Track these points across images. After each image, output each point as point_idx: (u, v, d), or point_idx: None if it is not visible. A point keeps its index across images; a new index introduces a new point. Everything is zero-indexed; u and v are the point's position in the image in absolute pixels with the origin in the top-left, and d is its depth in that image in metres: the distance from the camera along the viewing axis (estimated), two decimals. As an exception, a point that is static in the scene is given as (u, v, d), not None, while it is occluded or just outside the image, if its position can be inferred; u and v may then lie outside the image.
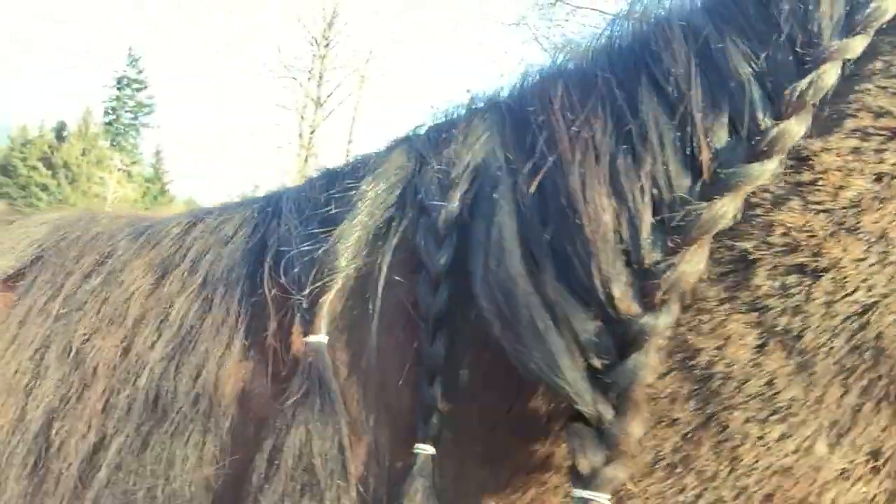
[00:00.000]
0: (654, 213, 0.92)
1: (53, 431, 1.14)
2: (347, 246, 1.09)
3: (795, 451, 0.90)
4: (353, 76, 52.86)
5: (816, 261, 0.90)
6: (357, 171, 1.19)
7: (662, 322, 0.89)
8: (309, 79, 52.85)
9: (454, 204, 1.05)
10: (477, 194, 1.05)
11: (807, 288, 0.90)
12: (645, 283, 0.90)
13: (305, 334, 1.06)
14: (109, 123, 75.83)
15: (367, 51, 52.81)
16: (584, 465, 0.87)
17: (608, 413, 0.89)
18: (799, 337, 0.90)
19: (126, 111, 76.78)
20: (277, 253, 1.15)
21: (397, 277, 1.08)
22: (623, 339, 0.90)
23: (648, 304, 0.90)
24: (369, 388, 1.06)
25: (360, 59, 52.73)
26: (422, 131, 1.24)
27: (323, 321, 1.06)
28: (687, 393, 0.93)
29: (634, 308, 0.89)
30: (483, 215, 1.01)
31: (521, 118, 1.08)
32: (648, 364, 0.89)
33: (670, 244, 0.90)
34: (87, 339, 1.19)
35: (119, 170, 72.15)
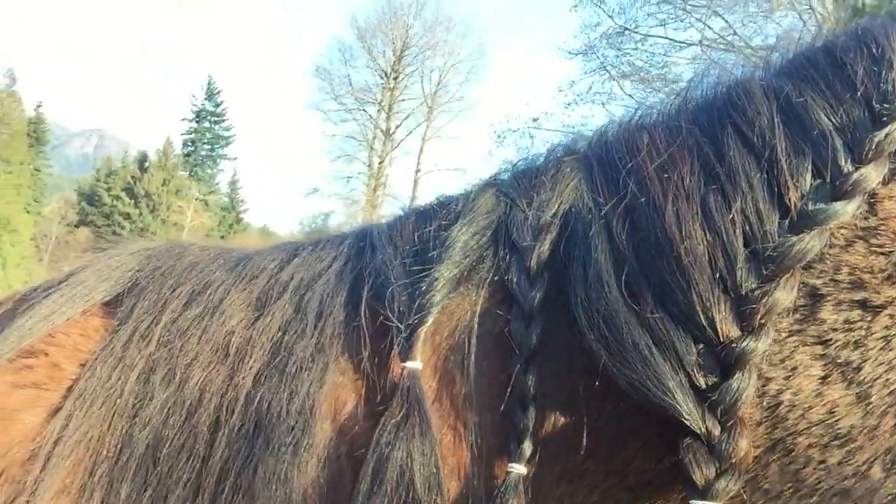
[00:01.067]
0: (746, 245, 1.01)
1: (162, 450, 1.19)
2: (443, 282, 1.18)
3: (854, 475, 0.98)
4: (421, 108, 53.76)
5: (876, 298, 1.00)
6: (447, 212, 1.29)
7: (762, 345, 0.97)
8: (378, 110, 54.08)
9: (546, 245, 1.16)
10: (570, 236, 1.15)
11: (867, 323, 1.00)
12: (743, 308, 0.99)
13: (403, 360, 1.14)
14: (188, 155, 78.88)
15: (435, 81, 53.43)
16: (698, 478, 0.95)
17: (716, 429, 0.97)
18: (858, 369, 0.99)
19: (204, 143, 79.83)
20: (375, 285, 1.24)
21: (490, 312, 1.17)
22: (726, 361, 0.98)
23: (747, 327, 0.98)
24: (461, 411, 1.14)
25: (428, 91, 53.61)
26: (506, 176, 1.33)
27: (419, 349, 1.14)
28: (758, 419, 1.01)
29: (735, 331, 0.98)
30: (579, 254, 1.10)
31: (608, 165, 1.19)
32: (751, 384, 0.97)
33: (765, 272, 0.99)
34: (190, 366, 1.24)
35: (197, 199, 74.90)
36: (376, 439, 1.10)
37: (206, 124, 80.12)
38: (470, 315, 1.18)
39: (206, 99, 79.86)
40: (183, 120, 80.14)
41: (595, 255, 1.08)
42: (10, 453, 1.22)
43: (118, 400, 1.24)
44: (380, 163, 53.04)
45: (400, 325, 1.16)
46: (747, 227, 1.02)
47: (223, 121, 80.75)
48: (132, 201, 73.12)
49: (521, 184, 1.28)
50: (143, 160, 76.35)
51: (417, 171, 52.38)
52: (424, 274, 1.20)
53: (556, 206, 1.20)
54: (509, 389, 1.11)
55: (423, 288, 1.18)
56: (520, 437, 1.09)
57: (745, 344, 0.97)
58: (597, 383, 1.07)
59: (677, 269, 1.01)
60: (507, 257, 1.19)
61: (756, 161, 1.06)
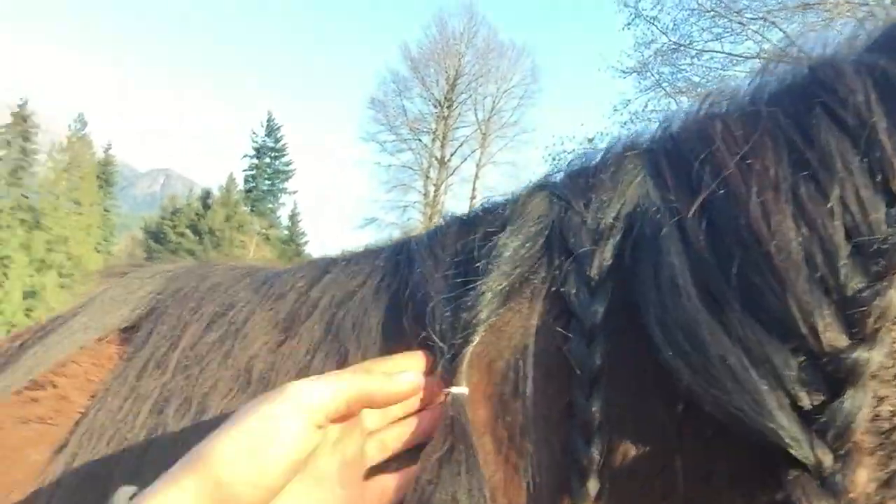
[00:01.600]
0: (848, 238, 0.86)
1: None
2: (491, 296, 1.04)
3: None
4: (475, 135, 53.95)
5: None
6: (493, 218, 1.14)
7: (876, 355, 0.81)
8: (433, 139, 54.43)
9: (608, 251, 1.01)
10: (637, 239, 1.00)
11: None
12: (850, 312, 0.83)
13: (447, 385, 1.02)
14: (250, 190, 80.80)
15: (489, 108, 53.60)
16: None
17: (828, 459, 0.81)
18: None
19: (265, 178, 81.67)
20: (413, 301, 1.10)
21: (545, 329, 1.03)
22: (834, 376, 0.82)
23: (857, 335, 0.82)
24: (514, 443, 1.00)
25: (481, 117, 53.81)
26: (559, 178, 1.19)
27: (465, 372, 1.01)
28: (870, 447, 0.84)
29: (842, 340, 0.83)
30: (649, 258, 0.96)
31: (677, 157, 1.05)
32: (866, 402, 0.81)
33: (874, 269, 0.84)
34: (209, 394, 1.12)
35: (258, 234, 76.55)
36: (417, 476, 0.98)
37: (267, 160, 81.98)
38: (522, 332, 1.03)
39: (266, 135, 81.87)
40: (244, 157, 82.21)
41: (668, 258, 0.93)
42: (11, 497, 1.11)
43: (128, 434, 1.12)
44: (435, 191, 53.25)
45: (443, 345, 1.03)
46: (848, 218, 0.87)
47: (283, 155, 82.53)
48: (196, 238, 75.12)
49: (577, 184, 1.12)
50: (206, 197, 78.51)
51: (473, 197, 52.27)
52: (469, 287, 1.05)
53: (619, 206, 1.04)
54: (570, 418, 0.97)
55: (469, 303, 1.04)
56: (583, 473, 0.93)
57: (856, 355, 0.81)
58: (675, 407, 0.92)
59: (767, 269, 0.87)
60: (564, 266, 1.03)
61: (853, 143, 0.91)
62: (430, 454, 0.99)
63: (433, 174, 53.87)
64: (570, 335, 1.00)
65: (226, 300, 1.25)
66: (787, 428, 0.81)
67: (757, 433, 0.83)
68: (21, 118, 75.48)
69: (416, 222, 52.48)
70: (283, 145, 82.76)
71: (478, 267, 1.08)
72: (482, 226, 1.15)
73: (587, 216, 1.06)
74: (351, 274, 1.22)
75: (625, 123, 24.25)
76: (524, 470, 0.99)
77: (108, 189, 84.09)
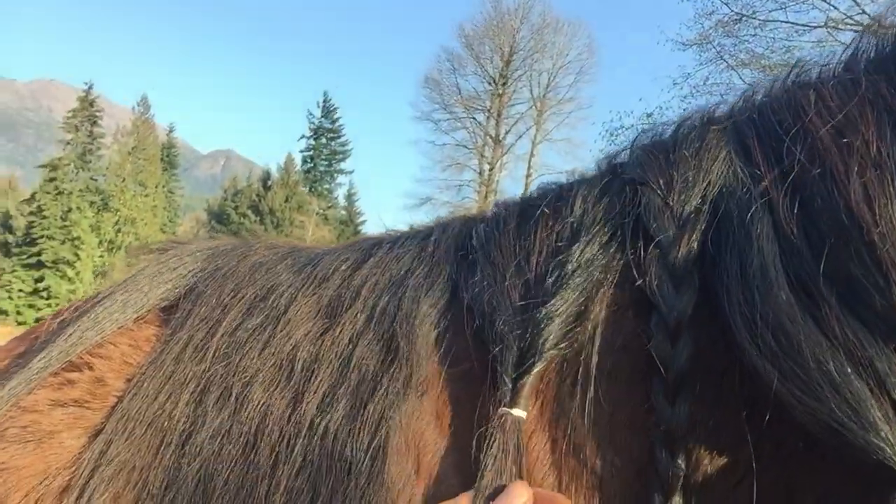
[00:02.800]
0: None
1: (213, 489, 1.02)
2: (561, 307, 0.94)
3: None
4: (530, 112, 53.45)
5: None
6: (558, 215, 1.04)
7: None
8: (488, 117, 54.14)
9: (695, 237, 0.91)
10: (721, 223, 0.90)
11: None
12: None
13: (508, 406, 0.92)
14: (308, 171, 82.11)
15: (544, 84, 52.97)
16: None
17: None
18: None
19: (322, 159, 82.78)
20: (475, 309, 1.01)
21: (622, 328, 0.94)
22: None
23: None
24: (585, 459, 0.92)
25: (536, 94, 53.22)
26: (629, 158, 1.08)
27: (527, 396, 0.92)
28: None
29: None
30: (735, 246, 0.87)
31: (765, 131, 0.94)
32: None
33: None
34: (249, 384, 1.07)
35: (317, 214, 77.74)
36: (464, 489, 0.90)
37: (324, 140, 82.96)
38: (594, 332, 0.94)
39: (322, 116, 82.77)
40: (302, 137, 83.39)
41: (756, 245, 0.84)
42: (45, 482, 1.08)
43: (165, 424, 1.07)
44: (490, 169, 53.04)
45: (506, 363, 0.94)
46: None
47: (340, 136, 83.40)
48: (258, 218, 76.72)
49: (655, 161, 1.01)
50: (266, 178, 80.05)
51: (528, 175, 51.93)
52: (537, 305, 0.96)
53: (704, 185, 0.94)
54: (649, 426, 0.88)
55: (538, 323, 0.94)
56: (667, 488, 0.85)
57: None
58: (759, 416, 0.84)
59: (870, 260, 0.77)
60: (643, 255, 0.94)
61: None
62: (482, 484, 0.88)
63: (488, 153, 53.64)
64: (651, 333, 0.89)
65: (267, 283, 1.19)
66: (892, 442, 0.72)
67: (858, 448, 0.74)
68: (88, 102, 77.99)
69: (471, 201, 52.39)
70: (340, 126, 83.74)
71: (547, 282, 0.97)
72: (546, 226, 1.04)
73: (670, 198, 0.95)
74: (395, 258, 1.14)
75: (685, 97, 23.60)
76: (586, 480, 0.91)
77: (171, 171, 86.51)
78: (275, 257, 1.27)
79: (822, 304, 0.78)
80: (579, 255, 0.97)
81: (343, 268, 1.17)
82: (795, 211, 0.84)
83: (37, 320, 70.25)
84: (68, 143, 76.07)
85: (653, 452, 0.86)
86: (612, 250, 0.97)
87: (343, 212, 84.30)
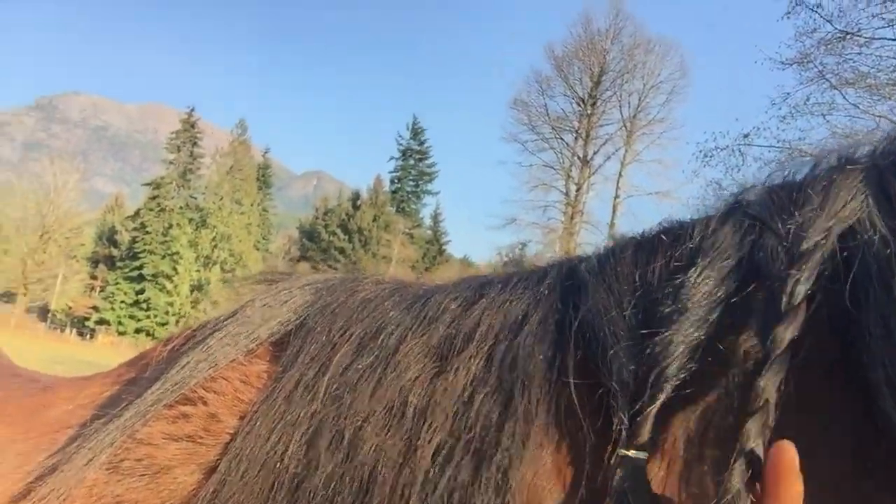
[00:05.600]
0: None
1: None
2: (681, 349, 0.89)
3: None
4: (619, 132, 52.77)
5: None
6: (677, 246, 0.99)
7: None
8: (576, 138, 53.76)
9: (810, 278, 0.85)
10: (858, 274, 0.84)
11: None
12: None
13: (626, 447, 0.88)
14: (395, 191, 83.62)
15: (634, 105, 52.24)
16: None
17: None
18: None
19: (409, 180, 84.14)
20: (586, 344, 0.97)
21: (744, 377, 0.88)
22: None
23: None
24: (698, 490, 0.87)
25: (626, 114, 52.53)
26: (754, 196, 1.02)
27: (647, 434, 0.87)
28: None
29: None
30: (875, 299, 0.81)
31: None
32: None
33: None
34: (361, 428, 1.04)
35: (403, 233, 78.89)
36: None
37: (411, 162, 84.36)
38: (714, 382, 0.89)
39: (411, 138, 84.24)
40: (391, 159, 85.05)
41: None
42: None
43: (278, 465, 1.05)
44: (577, 190, 52.52)
45: (622, 401, 0.89)
46: None
47: (427, 158, 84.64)
48: (346, 237, 78.52)
49: (777, 200, 0.94)
50: (355, 198, 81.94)
51: (616, 196, 51.22)
52: (654, 334, 0.91)
53: (827, 225, 0.88)
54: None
55: (655, 354, 0.89)
56: None
57: None
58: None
59: None
60: (757, 296, 0.89)
61: None
62: None
63: (575, 173, 53.17)
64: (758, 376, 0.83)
65: (376, 320, 1.17)
66: None
67: None
68: (189, 124, 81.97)
69: (557, 221, 52.04)
70: (427, 147, 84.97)
71: (664, 309, 0.92)
72: (664, 254, 0.99)
73: (785, 236, 0.89)
74: (511, 300, 1.09)
75: (784, 118, 22.81)
76: None
77: (266, 190, 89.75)
78: (383, 293, 1.24)
79: None
80: (700, 284, 0.91)
81: (453, 307, 1.13)
82: None
83: (136, 331, 73.00)
84: (171, 163, 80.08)
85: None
86: (728, 283, 0.91)
87: (429, 231, 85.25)
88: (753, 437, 0.80)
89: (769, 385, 0.81)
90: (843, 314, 0.83)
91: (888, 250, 0.82)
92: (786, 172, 1.03)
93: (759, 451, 0.79)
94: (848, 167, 0.92)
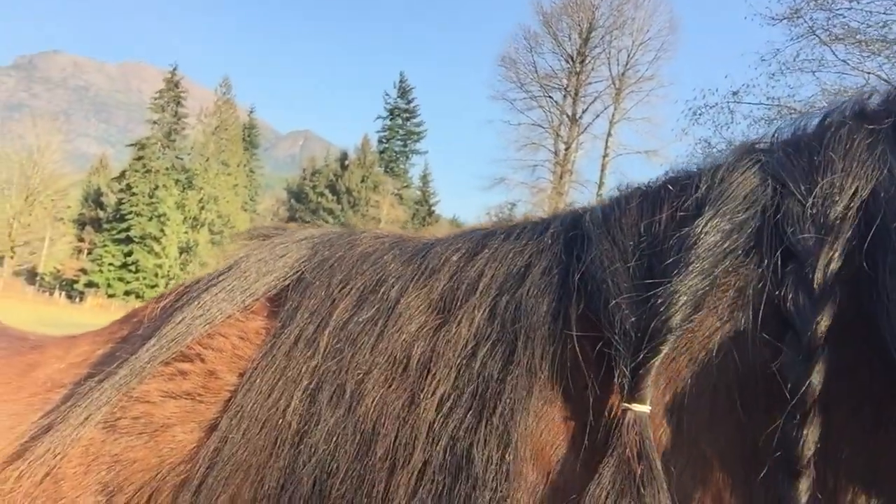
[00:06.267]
0: None
1: (330, 490, 0.99)
2: (685, 299, 0.87)
3: None
4: (608, 90, 52.42)
5: None
6: (684, 196, 0.97)
7: None
8: (564, 96, 53.36)
9: (837, 249, 0.82)
10: (876, 234, 0.82)
11: None
12: None
13: (628, 401, 0.88)
14: (383, 151, 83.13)
15: (623, 62, 51.81)
16: None
17: None
18: None
19: (398, 139, 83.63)
20: (589, 295, 0.96)
21: (750, 340, 0.86)
22: None
23: None
24: (703, 474, 0.87)
25: (615, 72, 52.12)
26: (769, 146, 0.99)
27: (649, 388, 0.87)
28: None
29: None
30: (893, 261, 0.79)
31: None
32: None
33: None
34: (363, 382, 1.03)
35: (392, 194, 78.62)
36: (586, 498, 0.85)
37: (399, 121, 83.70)
38: (720, 342, 0.87)
39: (398, 96, 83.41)
40: (378, 118, 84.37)
41: None
42: (160, 475, 1.06)
43: (280, 421, 1.04)
44: (566, 149, 52.32)
45: (624, 353, 0.88)
46: None
47: (415, 117, 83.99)
48: (335, 197, 78.18)
49: (796, 160, 0.91)
50: (343, 158, 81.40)
51: (605, 155, 51.06)
52: (657, 284, 0.89)
53: (851, 192, 0.84)
54: (774, 450, 0.81)
55: (657, 305, 0.88)
56: None
57: None
58: None
59: None
60: (779, 265, 0.86)
61: None
62: (606, 480, 0.84)
63: (564, 132, 52.89)
64: (783, 351, 0.82)
65: (375, 274, 1.14)
66: None
67: None
68: (173, 84, 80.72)
69: (546, 181, 51.94)
70: (415, 106, 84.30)
71: (668, 260, 0.90)
72: (670, 205, 0.96)
73: (811, 204, 0.86)
74: (513, 251, 1.06)
75: (773, 75, 22.67)
76: (714, 500, 0.85)
77: (252, 150, 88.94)
78: (382, 247, 1.23)
79: None
80: (708, 233, 0.89)
81: (455, 258, 1.11)
82: None
83: (126, 293, 72.85)
84: (155, 123, 79.01)
85: (778, 480, 0.81)
86: (745, 249, 0.88)
87: (418, 192, 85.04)
88: (810, 445, 0.78)
89: (815, 383, 0.78)
90: (867, 280, 0.81)
91: None
92: (795, 127, 1.00)
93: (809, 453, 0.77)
94: (864, 124, 0.90)
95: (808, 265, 0.82)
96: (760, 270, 0.87)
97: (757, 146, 1.00)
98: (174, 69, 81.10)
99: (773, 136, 1.00)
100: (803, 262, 0.83)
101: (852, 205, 0.84)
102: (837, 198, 0.85)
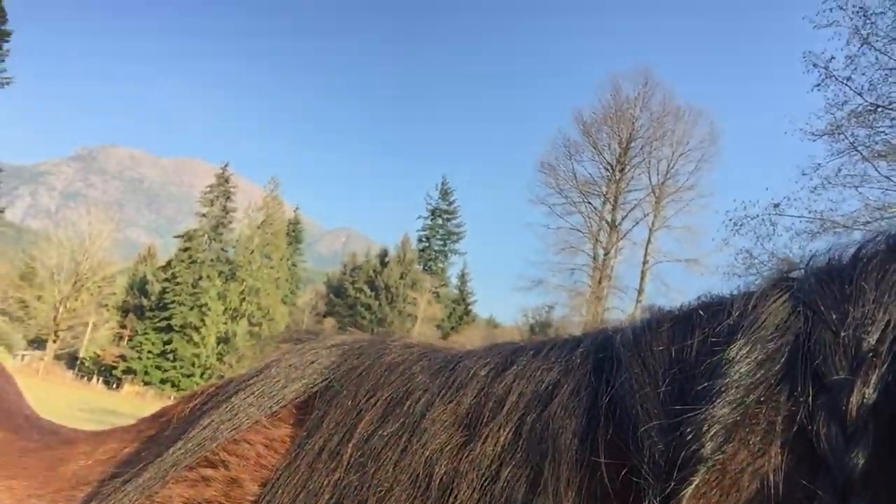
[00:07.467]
0: None
1: None
2: (716, 429, 0.84)
3: None
4: (648, 198, 52.80)
5: None
6: (716, 322, 0.95)
7: None
8: (604, 202, 53.85)
9: (871, 383, 0.79)
10: None
11: None
12: None
13: None
14: (423, 250, 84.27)
15: (663, 171, 52.36)
16: None
17: None
18: None
19: (437, 239, 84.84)
20: (620, 420, 0.92)
21: (782, 477, 0.82)
22: None
23: None
24: None
25: (655, 181, 52.61)
26: (803, 275, 0.98)
27: None
28: None
29: None
30: None
31: None
32: None
33: None
34: (384, 499, 1.01)
35: (429, 291, 79.03)
36: None
37: (440, 221, 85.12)
38: (752, 477, 0.83)
39: (439, 198, 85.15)
40: (419, 218, 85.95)
41: None
42: None
43: None
44: (605, 255, 52.33)
45: (653, 483, 0.84)
46: None
47: (455, 218, 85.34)
48: (373, 293, 78.84)
49: (829, 290, 0.89)
50: (383, 255, 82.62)
51: (645, 262, 50.89)
52: (687, 411, 0.86)
53: (884, 325, 0.82)
54: None
55: (688, 434, 0.84)
56: None
57: None
58: None
59: None
60: (811, 398, 0.82)
61: None
62: None
63: (603, 237, 53.02)
64: (816, 490, 0.78)
65: (402, 386, 1.13)
66: None
67: None
68: (223, 179, 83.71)
69: (584, 285, 51.73)
70: (456, 208, 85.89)
71: (700, 388, 0.87)
72: (702, 330, 0.94)
73: (844, 335, 0.83)
74: (542, 369, 1.04)
75: (815, 189, 22.72)
76: None
77: (296, 245, 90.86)
78: (411, 357, 1.22)
79: None
80: (740, 361, 0.87)
81: (483, 373, 1.09)
82: None
83: (162, 381, 73.05)
84: (203, 216, 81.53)
85: None
86: (777, 380, 0.86)
87: (455, 291, 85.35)
88: None
89: None
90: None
91: None
92: (829, 255, 0.98)
93: None
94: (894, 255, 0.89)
95: (841, 398, 0.79)
96: (791, 402, 0.84)
97: (790, 274, 0.98)
98: (225, 165, 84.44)
99: (807, 264, 0.99)
100: (836, 395, 0.80)
101: (885, 336, 0.81)
102: (871, 328, 0.82)
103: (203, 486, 1.14)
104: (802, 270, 0.98)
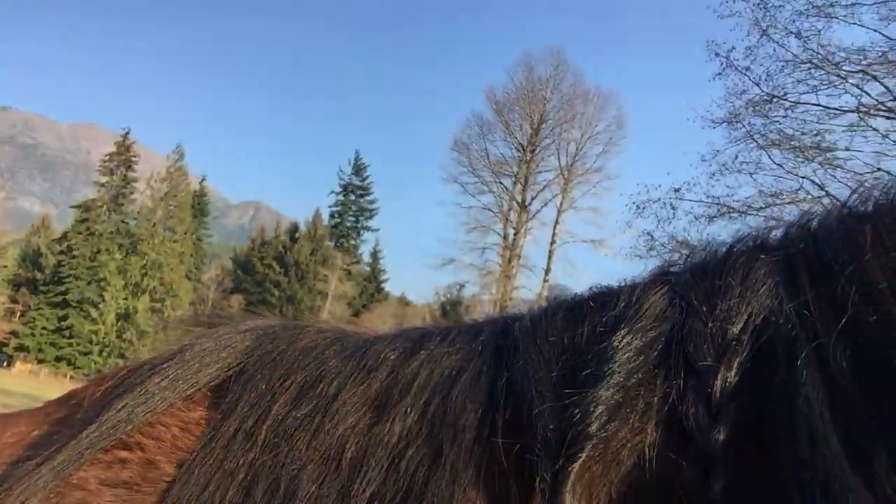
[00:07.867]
0: None
1: None
2: (601, 409, 0.92)
3: None
4: (557, 180, 53.87)
5: None
6: (604, 311, 1.04)
7: None
8: (514, 182, 54.62)
9: (733, 369, 0.88)
10: (765, 360, 0.88)
11: None
12: None
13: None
14: (335, 226, 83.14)
15: (572, 154, 53.49)
16: None
17: None
18: None
19: (350, 215, 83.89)
20: (514, 401, 1.00)
21: (657, 451, 0.90)
22: None
23: None
24: None
25: (564, 163, 53.70)
26: (681, 269, 1.07)
27: (567, 494, 0.89)
28: None
29: None
30: (779, 388, 0.84)
31: (818, 268, 0.92)
32: None
33: None
34: (297, 478, 1.05)
35: (341, 269, 78.30)
36: None
37: (352, 197, 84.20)
38: (630, 452, 0.91)
39: (353, 173, 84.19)
40: (331, 193, 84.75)
41: (803, 394, 0.81)
42: None
43: None
44: (515, 234, 53.29)
45: (545, 460, 0.91)
46: None
47: (368, 194, 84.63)
48: (282, 270, 77.43)
49: (701, 284, 0.99)
50: (293, 231, 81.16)
51: (552, 242, 52.15)
52: (576, 394, 0.94)
53: (746, 317, 0.92)
54: None
55: (576, 414, 0.92)
56: None
57: None
58: None
59: None
60: (682, 382, 0.91)
61: None
62: None
63: (513, 217, 53.96)
64: (684, 462, 0.86)
65: (315, 369, 1.18)
66: None
67: None
68: (124, 147, 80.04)
69: (494, 264, 52.51)
70: (369, 184, 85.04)
71: (588, 372, 0.97)
72: (592, 319, 1.04)
73: (711, 325, 0.93)
74: (447, 353, 1.12)
75: (713, 174, 23.70)
76: None
77: (201, 218, 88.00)
78: (324, 342, 1.26)
79: (876, 462, 0.75)
80: (623, 348, 0.96)
81: (392, 357, 1.15)
82: (848, 358, 0.81)
83: (57, 359, 69.88)
84: (103, 186, 77.81)
85: None
86: (654, 364, 0.95)
87: (367, 268, 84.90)
88: None
89: (713, 497, 0.82)
90: (760, 401, 0.86)
91: (792, 333, 0.86)
92: (706, 251, 1.07)
93: None
94: (762, 255, 0.98)
95: (708, 382, 0.87)
96: (666, 385, 0.92)
97: (670, 269, 1.08)
98: (127, 132, 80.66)
99: (687, 259, 1.09)
100: (703, 378, 0.88)
101: (747, 327, 0.90)
102: (735, 319, 0.91)
103: (119, 467, 1.15)
104: (681, 265, 1.08)
